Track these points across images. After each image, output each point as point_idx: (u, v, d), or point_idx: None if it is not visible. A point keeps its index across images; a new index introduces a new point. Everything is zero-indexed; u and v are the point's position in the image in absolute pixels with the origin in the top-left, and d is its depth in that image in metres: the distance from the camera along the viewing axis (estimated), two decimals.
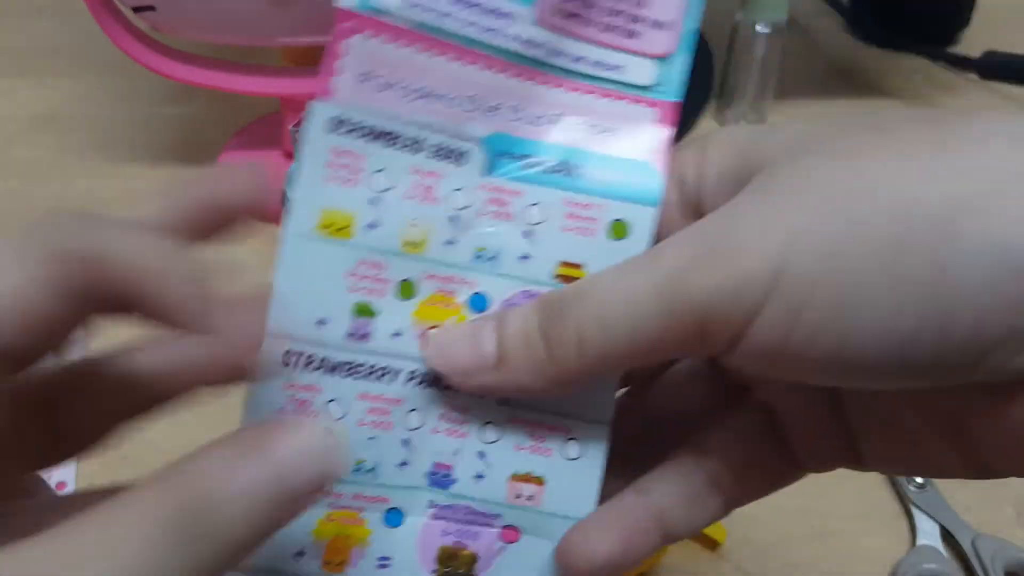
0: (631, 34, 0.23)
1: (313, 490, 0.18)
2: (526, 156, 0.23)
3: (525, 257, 0.23)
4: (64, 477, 0.42)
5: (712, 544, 0.40)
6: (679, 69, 0.24)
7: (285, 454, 0.17)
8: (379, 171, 0.22)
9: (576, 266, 0.23)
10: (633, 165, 0.23)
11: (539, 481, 0.23)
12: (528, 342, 0.21)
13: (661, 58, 0.24)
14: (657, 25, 0.23)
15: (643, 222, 0.23)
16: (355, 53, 0.22)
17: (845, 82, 0.69)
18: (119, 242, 0.19)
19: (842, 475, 0.34)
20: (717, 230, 0.20)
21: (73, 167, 0.60)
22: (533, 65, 0.23)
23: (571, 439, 0.23)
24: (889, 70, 0.70)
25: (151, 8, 0.49)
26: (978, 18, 0.72)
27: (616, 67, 0.24)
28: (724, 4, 0.63)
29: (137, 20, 0.52)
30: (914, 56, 0.70)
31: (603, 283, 0.21)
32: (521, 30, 0.23)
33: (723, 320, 0.20)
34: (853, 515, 0.42)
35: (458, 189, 0.23)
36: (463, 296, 0.23)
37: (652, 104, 0.24)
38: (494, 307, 0.23)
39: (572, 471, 0.23)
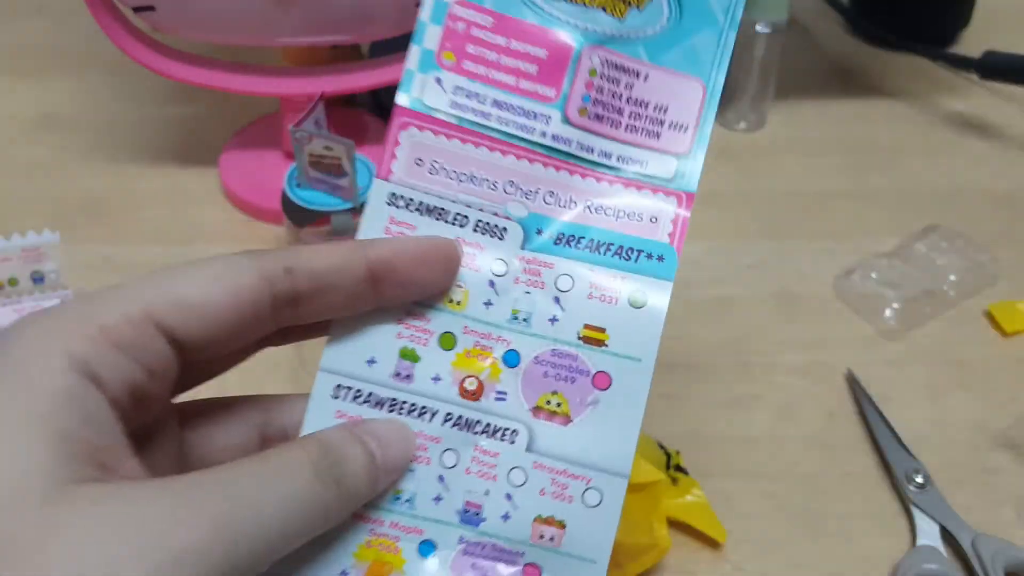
0: (653, 135, 0.27)
1: (400, 470, 0.25)
2: (559, 234, 0.26)
3: (554, 320, 0.26)
4: None
5: (712, 544, 0.40)
6: (695, 164, 0.27)
7: (382, 433, 0.24)
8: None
9: (600, 330, 0.26)
10: (653, 245, 0.26)
11: (561, 525, 0.25)
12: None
13: (680, 155, 0.27)
14: (676, 127, 0.27)
15: (659, 294, 0.26)
16: (409, 143, 0.26)
17: (845, 82, 0.69)
18: (316, 257, 0.24)
19: (843, 475, 0.34)
20: None
21: (73, 167, 0.60)
22: (565, 158, 0.27)
23: (591, 488, 0.25)
24: (889, 70, 0.70)
25: (151, 8, 0.49)
26: (978, 18, 0.72)
27: (640, 162, 0.27)
28: None
29: (137, 20, 0.52)
30: (914, 56, 0.70)
31: None
32: (554, 128, 0.26)
33: None
34: (853, 515, 0.42)
35: (498, 259, 0.26)
36: (498, 352, 0.26)
37: (671, 194, 0.27)
38: (525, 363, 0.26)
39: (591, 517, 0.25)
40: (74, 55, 0.69)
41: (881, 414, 0.45)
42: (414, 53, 0.26)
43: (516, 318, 0.26)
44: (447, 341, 0.26)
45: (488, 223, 0.26)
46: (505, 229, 0.26)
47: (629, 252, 0.26)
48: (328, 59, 0.58)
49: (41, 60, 0.69)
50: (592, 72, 0.26)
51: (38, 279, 0.48)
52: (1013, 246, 0.55)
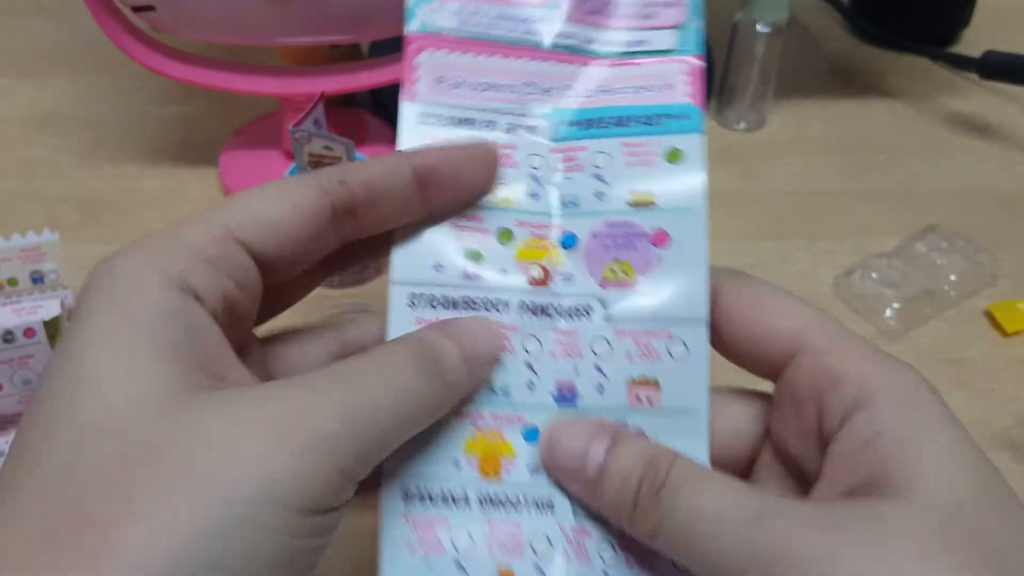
0: (647, 16, 0.28)
1: (492, 361, 0.25)
2: (584, 120, 0.27)
3: (600, 195, 0.27)
4: None
5: None
6: (694, 31, 0.28)
7: (471, 329, 0.25)
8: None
9: (646, 192, 0.27)
10: (673, 108, 0.27)
11: (654, 384, 0.25)
12: (623, 488, 0.23)
13: (677, 27, 0.28)
14: (667, 4, 0.28)
15: (694, 147, 0.27)
16: (426, 65, 0.28)
17: (845, 82, 0.69)
18: (366, 170, 0.25)
19: None
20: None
21: (73, 167, 0.60)
22: (572, 52, 0.28)
23: (673, 340, 0.26)
24: (889, 70, 0.70)
25: (151, 8, 0.49)
26: (978, 18, 0.72)
27: (641, 41, 0.28)
28: (724, 4, 0.63)
29: (137, 20, 0.52)
30: (914, 56, 0.70)
31: (698, 497, 0.22)
32: (556, 27, 0.28)
33: None
34: None
35: (533, 154, 0.27)
36: (555, 237, 0.27)
37: (678, 60, 0.28)
38: (583, 241, 0.26)
39: (681, 369, 0.25)
40: (74, 55, 0.69)
41: None
42: None
43: (564, 204, 0.27)
44: (505, 236, 0.27)
45: (517, 124, 0.27)
46: (534, 127, 0.27)
47: (653, 119, 0.27)
48: (328, 59, 0.58)
49: (41, 60, 0.69)
50: None
51: (38, 279, 0.48)
52: (1013, 246, 0.55)
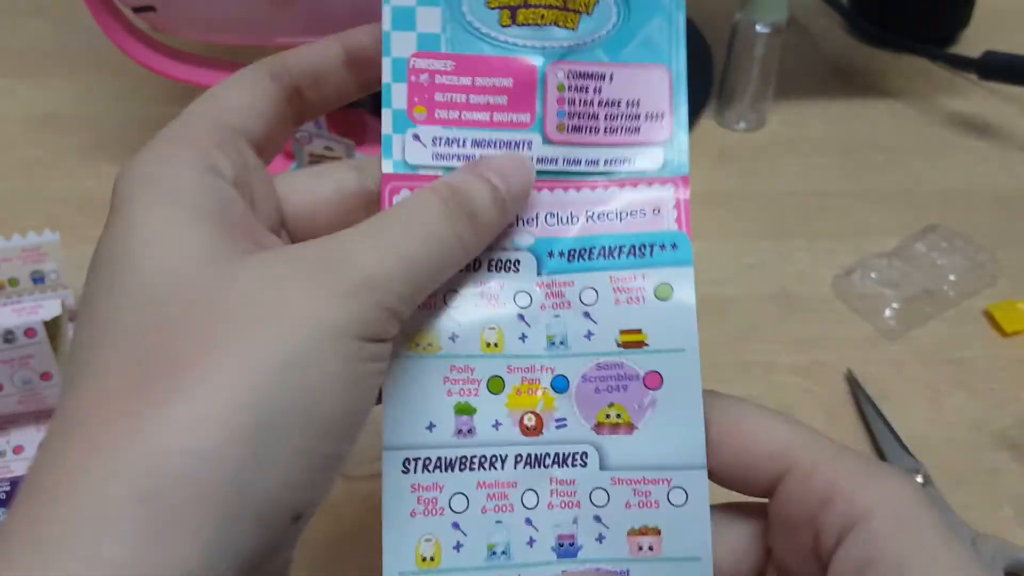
0: (632, 131, 0.27)
1: (524, 196, 0.26)
2: (570, 251, 0.27)
3: (590, 335, 0.26)
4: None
5: None
6: (680, 148, 0.27)
7: (501, 166, 0.25)
8: (452, 291, 0.26)
9: (636, 331, 0.26)
10: (662, 236, 0.26)
11: (655, 532, 0.25)
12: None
13: (663, 144, 0.27)
14: (652, 117, 0.27)
15: (683, 281, 0.26)
16: None
17: (845, 82, 0.69)
18: (300, 55, 0.27)
19: None
20: None
21: (73, 167, 0.60)
22: (555, 177, 0.27)
23: (674, 488, 0.25)
24: (889, 70, 0.70)
25: (151, 8, 0.49)
26: (978, 18, 0.72)
27: (627, 160, 0.27)
28: (724, 4, 0.63)
29: (137, 20, 0.52)
30: (914, 56, 0.70)
31: None
32: (537, 152, 0.27)
33: None
34: None
35: (520, 291, 0.26)
36: (546, 381, 0.26)
37: (665, 182, 0.27)
38: (574, 384, 0.26)
39: (682, 516, 0.25)
40: (74, 55, 0.69)
41: (881, 414, 0.45)
42: (386, 117, 0.26)
43: (553, 343, 0.26)
44: (495, 385, 0.26)
45: (500, 259, 0.26)
46: (518, 261, 0.26)
47: (641, 249, 0.26)
48: None
49: (41, 60, 0.69)
50: (560, 87, 0.26)
51: (38, 279, 0.48)
52: (1013, 246, 0.55)
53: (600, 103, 0.27)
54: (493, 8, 0.26)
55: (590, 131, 0.27)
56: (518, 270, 0.26)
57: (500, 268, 0.26)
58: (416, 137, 0.26)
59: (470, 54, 0.26)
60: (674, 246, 0.26)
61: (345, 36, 0.27)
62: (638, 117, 0.27)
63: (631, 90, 0.27)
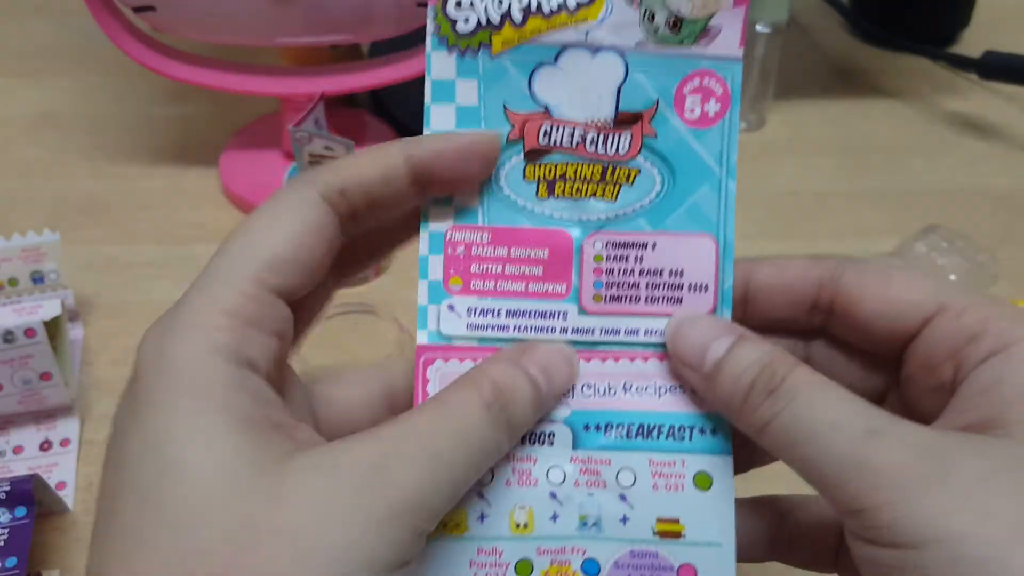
0: (675, 301, 0.26)
1: (564, 393, 0.25)
2: (607, 425, 0.26)
3: (625, 519, 0.25)
4: (64, 477, 0.42)
5: None
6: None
7: (546, 361, 0.25)
8: None
9: (673, 521, 0.25)
10: (702, 419, 0.25)
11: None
12: (736, 386, 0.24)
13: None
14: (696, 288, 0.26)
15: (722, 471, 0.25)
16: (437, 376, 0.26)
17: (845, 82, 0.69)
18: (359, 168, 0.24)
19: None
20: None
21: (73, 167, 0.60)
22: (592, 347, 0.26)
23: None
24: (889, 70, 0.70)
25: (151, 8, 0.49)
26: (978, 18, 0.72)
27: (664, 332, 0.26)
28: None
29: (137, 20, 0.52)
30: (914, 56, 0.70)
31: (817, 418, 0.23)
32: (573, 322, 0.26)
33: None
34: None
35: (553, 466, 0.25)
36: (576, 563, 0.25)
37: None
38: (605, 570, 0.25)
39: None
40: (74, 55, 0.69)
41: None
42: (422, 289, 0.26)
43: (586, 524, 0.25)
44: (524, 568, 0.25)
45: (534, 432, 0.25)
46: (552, 434, 0.25)
47: (681, 431, 0.25)
48: (328, 59, 0.58)
49: (41, 60, 0.69)
50: (598, 258, 0.26)
51: (38, 279, 0.48)
52: (1013, 246, 0.55)
53: (641, 272, 0.26)
54: (530, 181, 0.26)
55: (630, 300, 0.26)
56: (552, 443, 0.25)
57: (534, 441, 0.25)
58: (451, 307, 0.26)
59: (507, 226, 0.26)
60: (714, 431, 0.25)
61: (410, 149, 0.24)
62: (681, 287, 0.26)
63: (675, 259, 0.26)
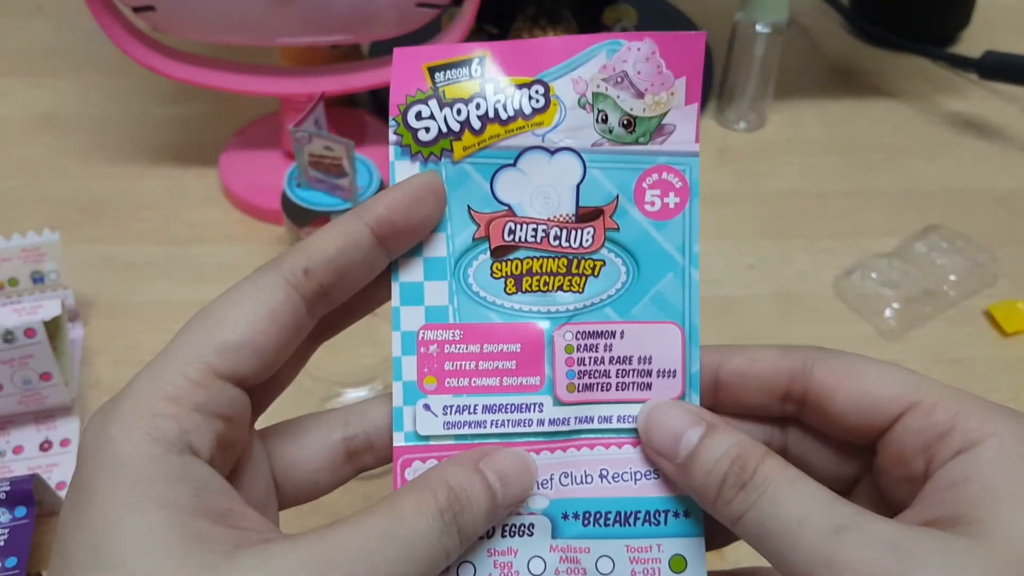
0: (644, 387, 0.26)
1: (518, 503, 0.25)
2: (584, 514, 0.26)
3: None
4: (64, 477, 0.42)
5: None
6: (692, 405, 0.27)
7: (505, 468, 0.25)
8: (465, 561, 0.25)
9: None
10: (675, 502, 0.26)
11: None
12: (710, 477, 0.24)
13: (676, 400, 0.27)
14: (665, 374, 0.27)
15: (696, 552, 0.26)
16: (415, 476, 0.26)
17: (845, 82, 0.69)
18: (323, 244, 0.24)
19: None
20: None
21: (73, 167, 0.60)
22: (567, 437, 0.26)
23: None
24: (889, 70, 0.70)
25: (151, 8, 0.50)
26: (978, 18, 0.72)
27: (636, 418, 0.26)
28: (724, 4, 0.63)
29: (137, 20, 0.52)
30: (914, 56, 0.70)
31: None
32: (548, 413, 0.26)
33: None
34: None
35: (534, 557, 0.26)
36: None
37: None
38: None
39: None
40: (74, 55, 0.69)
41: None
42: (397, 390, 0.26)
43: None
44: None
45: (514, 524, 0.26)
46: (532, 524, 0.26)
47: (656, 516, 0.26)
48: (328, 59, 0.58)
49: (41, 60, 0.69)
50: (568, 348, 0.26)
51: (38, 279, 0.48)
52: (1013, 246, 0.55)
53: (611, 360, 0.26)
54: (498, 277, 0.26)
55: (602, 388, 0.26)
56: (532, 534, 0.26)
57: (514, 533, 0.26)
58: (427, 407, 0.26)
59: (477, 322, 0.26)
60: (687, 513, 0.26)
61: (367, 214, 0.24)
62: (650, 373, 0.26)
63: (643, 347, 0.26)
